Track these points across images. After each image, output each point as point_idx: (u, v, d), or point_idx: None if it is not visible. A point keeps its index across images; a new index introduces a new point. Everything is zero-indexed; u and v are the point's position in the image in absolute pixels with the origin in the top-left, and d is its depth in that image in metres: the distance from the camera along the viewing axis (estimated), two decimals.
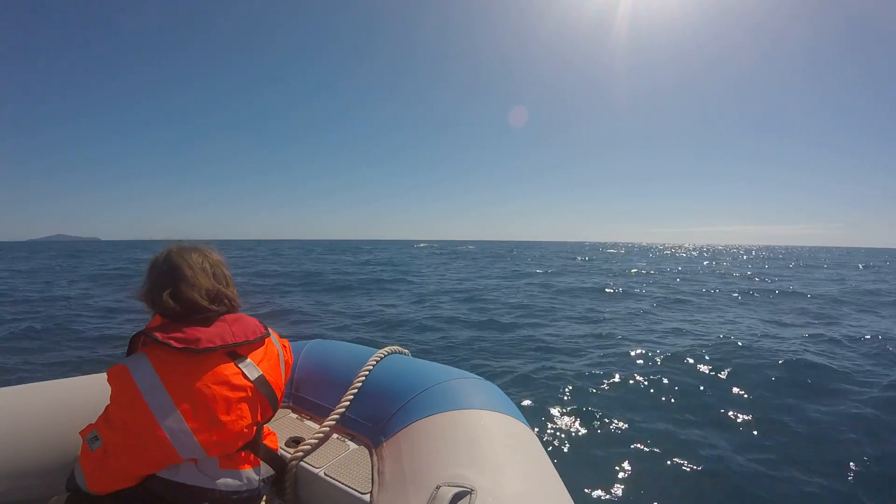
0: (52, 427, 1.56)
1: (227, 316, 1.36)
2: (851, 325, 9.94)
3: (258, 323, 1.43)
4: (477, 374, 1.81)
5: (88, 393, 1.66)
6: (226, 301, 1.38)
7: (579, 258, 41.55)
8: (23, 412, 1.57)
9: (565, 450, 4.11)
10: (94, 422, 1.26)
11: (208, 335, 1.26)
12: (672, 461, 3.90)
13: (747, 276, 23.79)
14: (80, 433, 1.25)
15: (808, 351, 7.25)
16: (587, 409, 4.88)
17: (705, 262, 38.19)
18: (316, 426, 1.67)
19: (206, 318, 1.30)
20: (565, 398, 5.20)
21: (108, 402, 1.23)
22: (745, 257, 57.27)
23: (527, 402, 4.98)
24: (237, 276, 1.51)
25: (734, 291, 16.17)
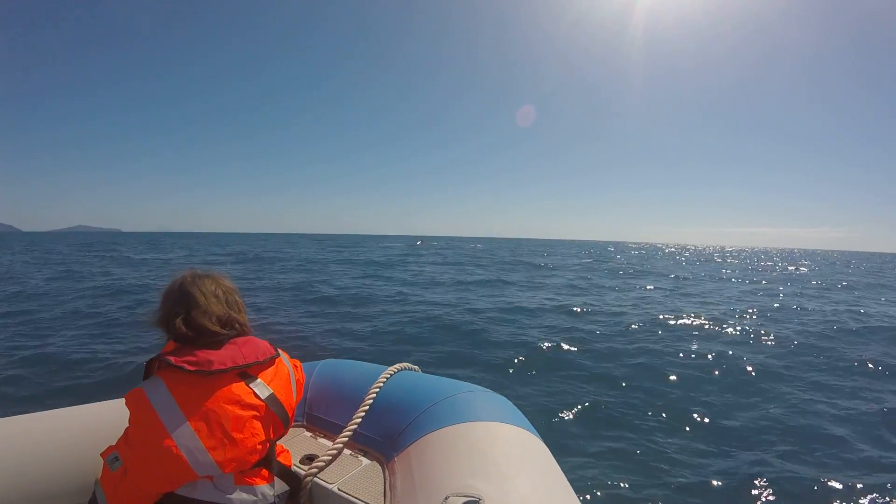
0: (74, 451, 1.62)
1: (237, 339, 1.40)
2: None
3: (268, 345, 1.48)
4: (488, 387, 1.82)
5: (108, 418, 1.71)
6: (237, 326, 1.44)
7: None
8: (45, 437, 1.63)
9: (581, 462, 4.08)
10: (113, 444, 1.31)
11: (220, 357, 1.31)
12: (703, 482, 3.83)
13: None
14: (101, 455, 1.30)
15: None
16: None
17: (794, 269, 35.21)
18: (329, 443, 1.69)
19: (218, 342, 1.35)
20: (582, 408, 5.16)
21: (127, 426, 1.29)
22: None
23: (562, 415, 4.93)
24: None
25: None
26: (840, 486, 3.75)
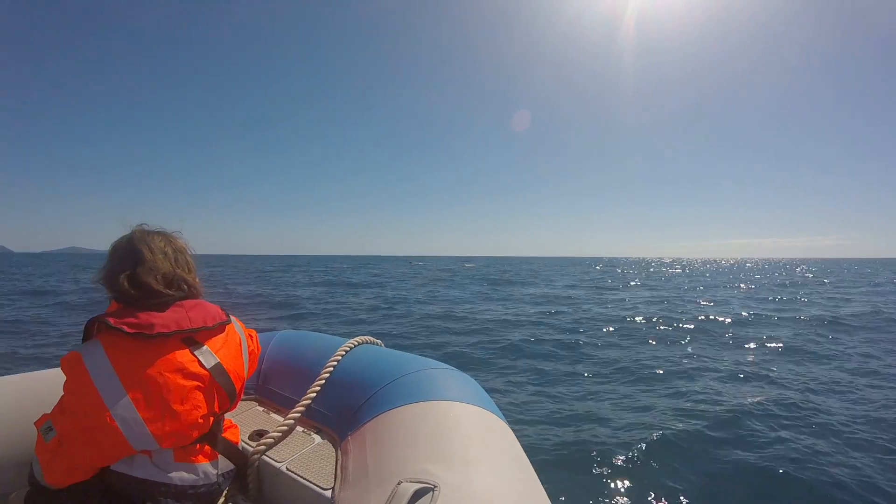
0: (14, 421, 1.53)
1: (185, 301, 1.31)
2: None
3: (219, 310, 1.39)
4: (453, 365, 1.72)
5: (50, 385, 1.62)
6: (184, 286, 1.34)
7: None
8: None
9: (551, 447, 4.08)
10: (49, 413, 1.22)
11: (163, 320, 1.22)
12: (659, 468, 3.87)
13: None
14: (34, 423, 1.22)
15: None
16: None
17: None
18: (281, 419, 1.61)
19: (163, 304, 1.26)
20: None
21: (62, 393, 1.20)
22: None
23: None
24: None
25: None
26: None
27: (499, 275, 41.70)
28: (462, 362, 7.49)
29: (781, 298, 19.96)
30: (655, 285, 27.79)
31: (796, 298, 19.84)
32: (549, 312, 15.27)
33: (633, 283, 28.37)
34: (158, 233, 1.39)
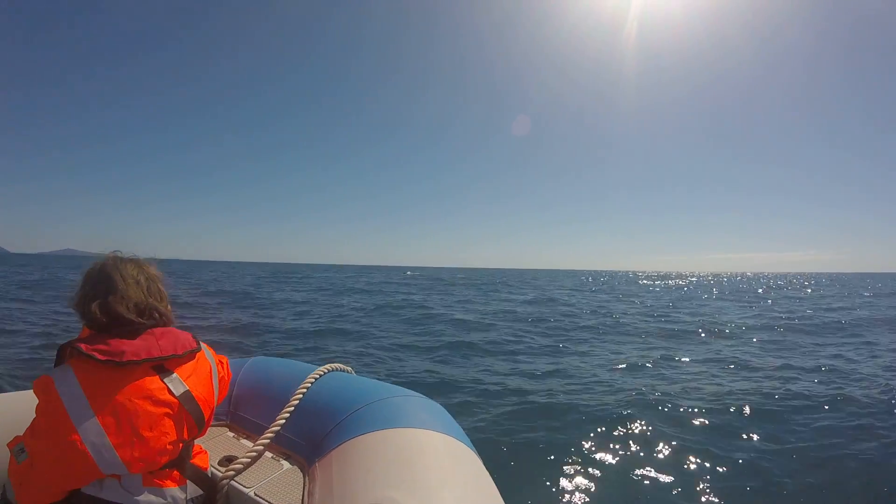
0: None
1: (155, 329, 1.35)
2: None
3: (190, 337, 1.42)
4: (425, 393, 1.75)
5: (23, 407, 1.61)
6: (156, 315, 1.38)
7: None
8: None
9: (526, 475, 4.05)
10: (21, 435, 1.25)
11: (134, 348, 1.26)
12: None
13: None
14: (7, 445, 1.24)
15: None
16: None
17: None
18: (251, 445, 1.62)
19: (133, 332, 1.30)
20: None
21: (35, 416, 1.23)
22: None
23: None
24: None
25: None
26: None
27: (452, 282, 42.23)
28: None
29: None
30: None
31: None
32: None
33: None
34: (132, 260, 1.44)
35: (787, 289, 43.64)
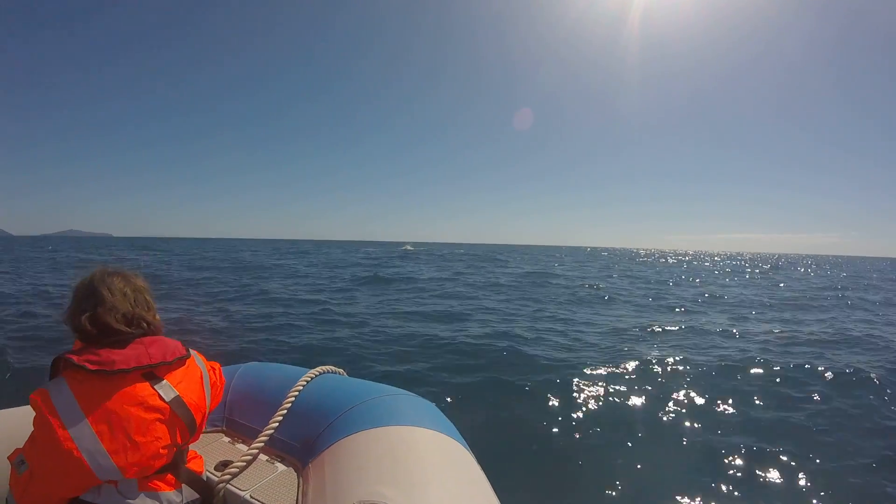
0: None
1: (144, 338, 1.38)
2: None
3: (179, 345, 1.45)
4: (415, 392, 1.78)
5: (22, 421, 1.64)
6: (144, 325, 1.41)
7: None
8: None
9: (526, 471, 4.05)
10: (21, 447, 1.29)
11: (123, 357, 1.29)
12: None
13: None
14: (8, 458, 1.28)
15: None
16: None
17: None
18: (246, 448, 1.66)
19: (122, 341, 1.33)
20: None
21: (33, 428, 1.27)
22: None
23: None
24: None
25: None
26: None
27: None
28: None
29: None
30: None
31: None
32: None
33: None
34: (118, 273, 1.47)
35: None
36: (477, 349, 7.18)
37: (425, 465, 1.29)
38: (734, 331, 9.76)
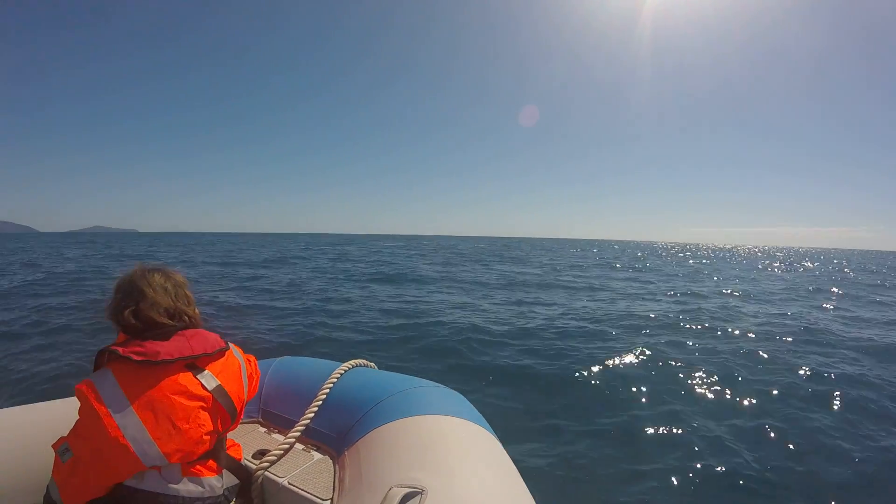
0: (29, 448, 1.64)
1: (186, 331, 1.44)
2: None
3: (218, 338, 1.51)
4: (450, 386, 1.85)
5: (62, 415, 1.73)
6: (185, 318, 1.47)
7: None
8: (3, 436, 1.65)
9: (552, 461, 4.07)
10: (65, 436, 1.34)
11: (167, 349, 1.34)
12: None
13: None
14: (52, 446, 1.32)
15: None
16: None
17: None
18: (282, 438, 1.73)
19: (165, 334, 1.39)
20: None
21: (78, 417, 1.32)
22: None
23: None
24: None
25: None
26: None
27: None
28: None
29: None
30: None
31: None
32: None
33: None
34: (158, 269, 1.52)
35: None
36: None
37: (458, 453, 1.34)
38: None
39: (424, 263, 26.21)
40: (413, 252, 39.41)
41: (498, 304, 11.37)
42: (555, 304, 11.66)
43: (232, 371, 1.49)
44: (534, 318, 9.39)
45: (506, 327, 8.27)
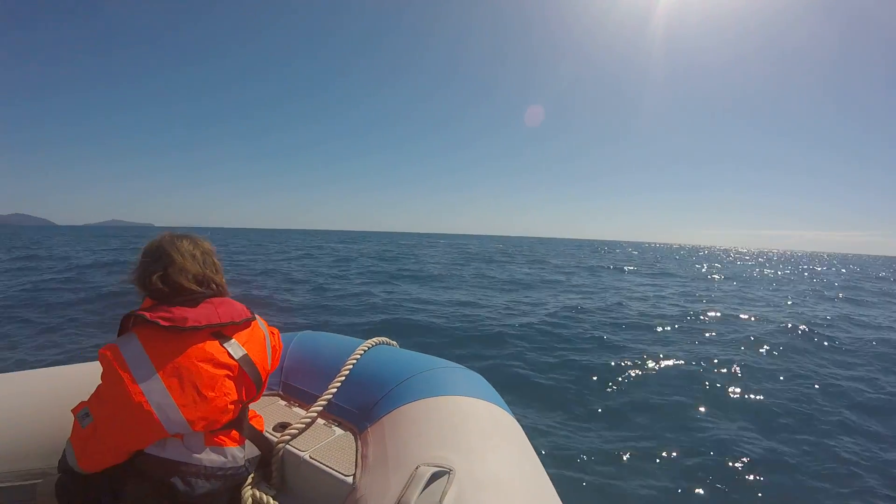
0: (48, 412, 1.64)
1: (213, 299, 1.41)
2: None
3: (245, 308, 1.49)
4: (468, 366, 1.84)
5: (83, 379, 1.72)
6: (213, 285, 1.45)
7: None
8: (18, 399, 1.66)
9: (564, 442, 4.14)
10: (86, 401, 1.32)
11: (195, 315, 1.32)
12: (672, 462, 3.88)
13: None
14: (71, 411, 1.31)
15: None
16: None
17: None
18: (303, 412, 1.72)
19: (193, 300, 1.37)
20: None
21: (100, 382, 1.30)
22: None
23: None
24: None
25: None
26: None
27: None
28: None
29: None
30: None
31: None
32: None
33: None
34: (186, 236, 1.50)
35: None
36: None
37: (484, 435, 1.35)
38: None
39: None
40: (454, 252, 38.57)
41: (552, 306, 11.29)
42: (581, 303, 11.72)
43: (257, 341, 1.48)
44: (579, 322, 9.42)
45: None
